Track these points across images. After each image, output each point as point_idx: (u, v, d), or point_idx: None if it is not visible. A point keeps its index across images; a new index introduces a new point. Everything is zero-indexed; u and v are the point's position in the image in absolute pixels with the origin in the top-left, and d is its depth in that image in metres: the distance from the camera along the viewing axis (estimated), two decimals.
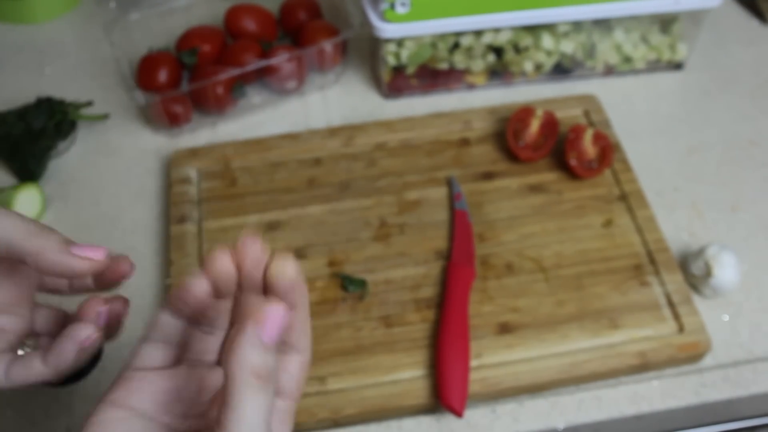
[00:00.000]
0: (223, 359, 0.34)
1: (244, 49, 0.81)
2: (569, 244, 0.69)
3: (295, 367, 0.40)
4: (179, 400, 0.40)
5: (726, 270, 0.64)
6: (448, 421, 0.60)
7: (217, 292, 0.40)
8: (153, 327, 0.41)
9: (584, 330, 0.63)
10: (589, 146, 0.73)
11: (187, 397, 0.40)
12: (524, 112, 0.75)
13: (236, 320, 0.42)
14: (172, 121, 0.78)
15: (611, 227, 0.70)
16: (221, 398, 0.33)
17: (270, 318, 0.34)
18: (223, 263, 0.39)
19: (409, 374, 0.61)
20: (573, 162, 0.72)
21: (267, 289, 0.39)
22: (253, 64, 0.79)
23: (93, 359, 0.63)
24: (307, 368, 0.41)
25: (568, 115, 0.79)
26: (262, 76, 0.82)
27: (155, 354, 0.41)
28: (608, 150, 0.73)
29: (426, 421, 0.60)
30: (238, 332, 0.34)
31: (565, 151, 0.73)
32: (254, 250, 0.40)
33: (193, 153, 0.76)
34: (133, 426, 0.38)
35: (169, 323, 0.42)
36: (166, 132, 0.80)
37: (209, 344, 0.42)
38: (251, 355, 0.33)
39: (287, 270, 0.39)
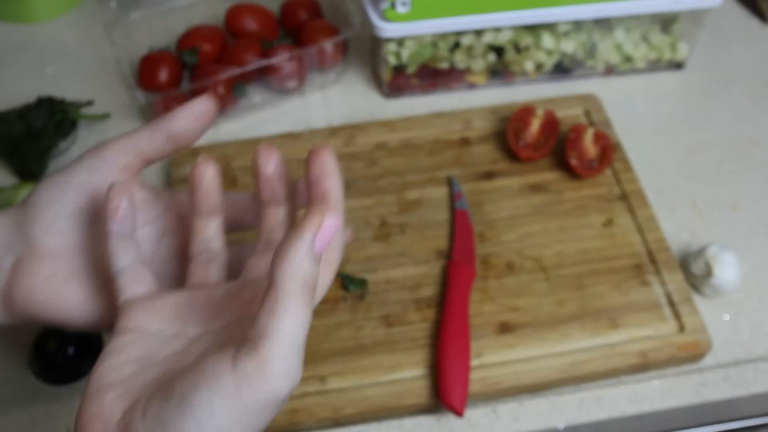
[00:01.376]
0: (273, 264, 0.32)
1: (245, 48, 0.81)
2: (570, 244, 0.69)
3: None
4: (192, 310, 0.38)
5: (726, 270, 0.64)
6: (449, 420, 0.60)
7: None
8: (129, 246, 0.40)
9: (585, 329, 0.63)
10: (589, 146, 0.73)
11: (199, 305, 0.39)
12: (525, 112, 0.75)
13: (263, 234, 0.42)
14: None
15: (612, 227, 0.70)
16: (262, 304, 0.32)
17: (326, 228, 0.33)
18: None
19: (409, 374, 0.61)
20: (574, 161, 0.72)
21: (310, 186, 0.39)
22: (254, 64, 0.79)
23: (92, 360, 0.63)
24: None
25: (568, 114, 0.79)
26: (263, 75, 0.82)
27: (144, 279, 0.40)
28: (609, 149, 0.73)
29: (426, 420, 0.60)
30: (294, 238, 0.32)
31: (565, 151, 0.73)
32: (274, 160, 0.41)
33: (194, 152, 0.76)
34: (147, 344, 0.37)
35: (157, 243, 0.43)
36: None
37: (209, 273, 0.42)
38: (304, 263, 0.32)
39: (327, 164, 0.38)
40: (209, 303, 0.38)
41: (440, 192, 0.73)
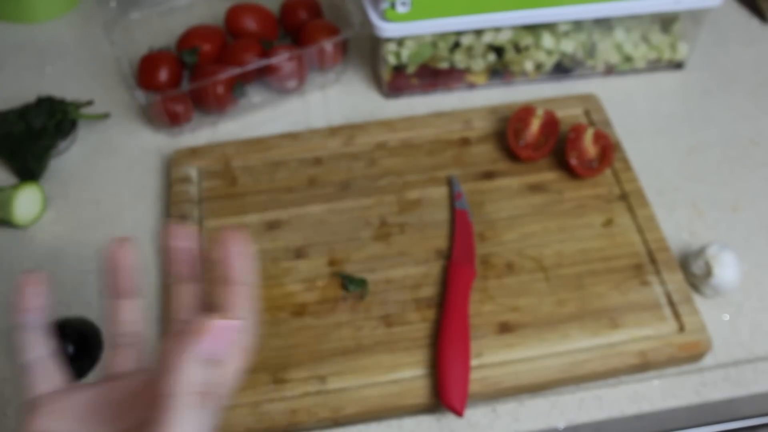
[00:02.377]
0: (161, 374, 0.31)
1: (245, 48, 0.81)
2: (570, 244, 0.69)
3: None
4: (102, 407, 0.36)
5: (726, 269, 0.64)
6: (449, 420, 0.60)
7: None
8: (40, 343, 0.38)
9: (585, 329, 0.63)
10: (589, 146, 0.73)
11: (111, 401, 0.37)
12: (525, 112, 0.75)
13: (176, 314, 0.40)
14: (173, 120, 0.78)
15: (612, 227, 0.70)
16: (154, 416, 0.31)
17: (221, 330, 0.31)
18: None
19: (409, 373, 0.61)
20: (573, 161, 0.72)
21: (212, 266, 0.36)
22: (254, 64, 0.78)
23: (92, 359, 0.63)
24: (248, 354, 0.37)
25: (568, 114, 0.79)
26: (263, 75, 0.82)
27: (53, 374, 0.38)
28: (608, 149, 0.73)
29: (426, 420, 0.60)
30: (179, 348, 0.31)
31: (565, 151, 0.73)
32: (182, 236, 0.38)
33: (194, 152, 0.76)
34: None
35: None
36: (166, 131, 0.80)
37: (127, 360, 0.40)
38: (193, 372, 0.31)
39: (230, 244, 0.36)
40: (122, 399, 0.37)
41: (440, 192, 0.73)
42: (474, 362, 0.61)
